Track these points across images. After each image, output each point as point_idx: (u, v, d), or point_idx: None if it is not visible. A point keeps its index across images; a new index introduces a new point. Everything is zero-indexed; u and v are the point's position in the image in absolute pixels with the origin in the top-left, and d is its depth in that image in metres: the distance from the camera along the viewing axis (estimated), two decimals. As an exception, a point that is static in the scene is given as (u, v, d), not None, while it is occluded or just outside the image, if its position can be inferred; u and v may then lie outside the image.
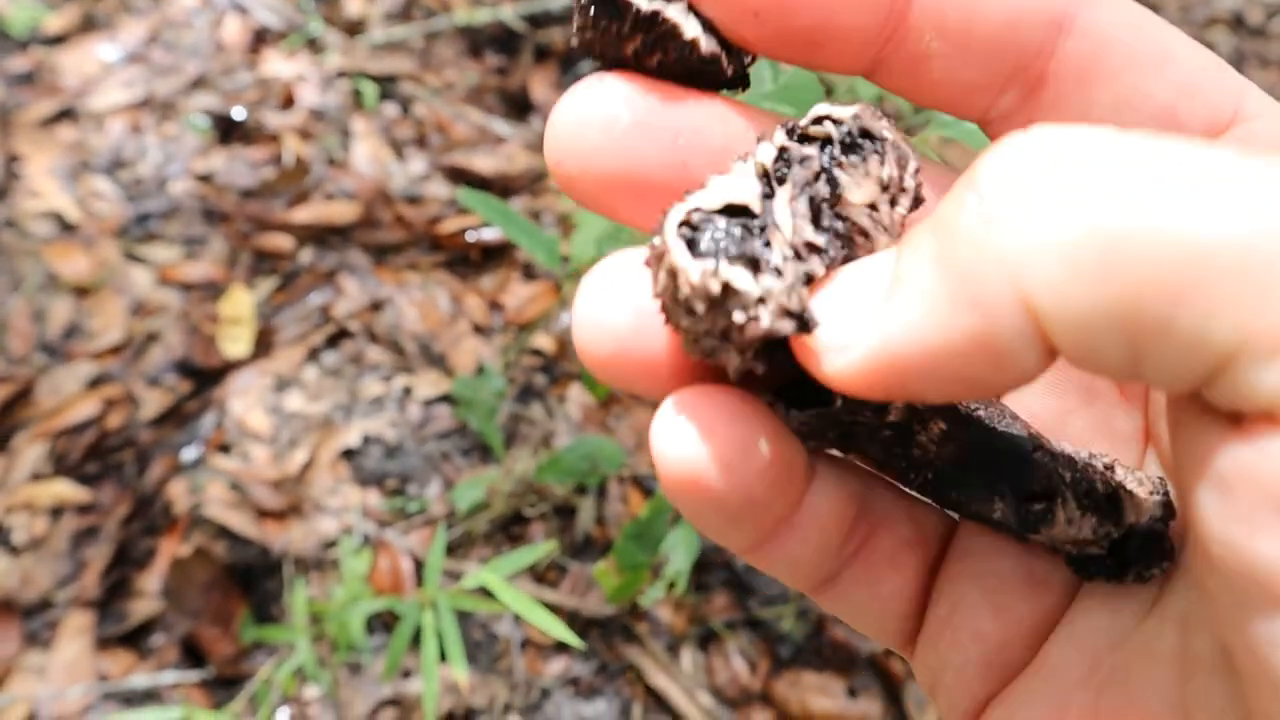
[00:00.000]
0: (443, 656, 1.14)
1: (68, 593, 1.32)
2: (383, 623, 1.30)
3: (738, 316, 0.25)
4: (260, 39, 1.92)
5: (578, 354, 0.29)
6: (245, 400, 1.47)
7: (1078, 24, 0.30)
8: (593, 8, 0.30)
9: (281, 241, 1.63)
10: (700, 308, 0.26)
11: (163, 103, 1.81)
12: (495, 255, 1.67)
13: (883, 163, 0.28)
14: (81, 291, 1.58)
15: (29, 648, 1.30)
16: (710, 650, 1.35)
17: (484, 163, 1.76)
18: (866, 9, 0.29)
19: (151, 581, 1.34)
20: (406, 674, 1.26)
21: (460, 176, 1.74)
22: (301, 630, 1.24)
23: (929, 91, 0.31)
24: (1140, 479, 0.31)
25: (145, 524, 1.38)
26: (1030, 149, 0.22)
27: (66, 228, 1.65)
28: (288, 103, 1.82)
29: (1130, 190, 0.21)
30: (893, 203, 0.28)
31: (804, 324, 0.26)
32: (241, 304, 1.54)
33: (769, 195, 0.27)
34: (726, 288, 0.25)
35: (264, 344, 1.54)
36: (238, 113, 1.79)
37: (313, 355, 1.54)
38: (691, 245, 0.26)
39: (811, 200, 0.27)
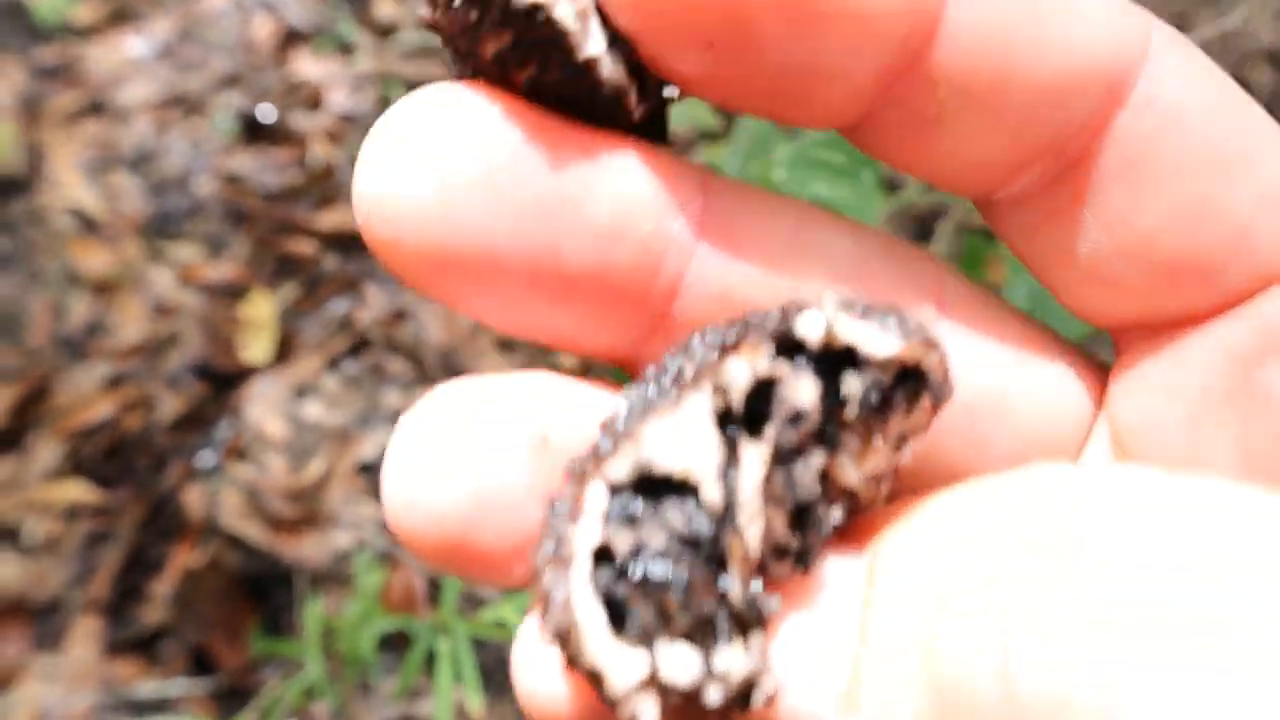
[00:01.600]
0: (457, 680, 1.13)
1: (78, 596, 1.31)
2: (394, 641, 1.29)
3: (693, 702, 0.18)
4: (290, 39, 1.91)
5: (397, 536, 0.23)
6: (263, 407, 1.46)
7: (1139, 92, 0.23)
8: None
9: (305, 246, 1.62)
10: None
11: (190, 100, 1.80)
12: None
13: (910, 412, 0.19)
14: (102, 289, 1.57)
15: (38, 650, 1.28)
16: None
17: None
18: (869, 50, 0.21)
19: (163, 588, 1.33)
20: (415, 694, 1.25)
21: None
22: (313, 646, 1.23)
23: (926, 161, 0.24)
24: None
25: (159, 529, 1.37)
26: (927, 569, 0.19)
27: (89, 223, 1.64)
28: (316, 104, 1.81)
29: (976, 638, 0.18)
30: (898, 448, 0.20)
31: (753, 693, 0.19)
32: (263, 308, 1.52)
33: (731, 464, 0.18)
34: (667, 691, 0.18)
35: (284, 350, 1.52)
36: (265, 113, 1.78)
37: (333, 364, 1.52)
38: (613, 610, 0.17)
39: (794, 478, 0.18)
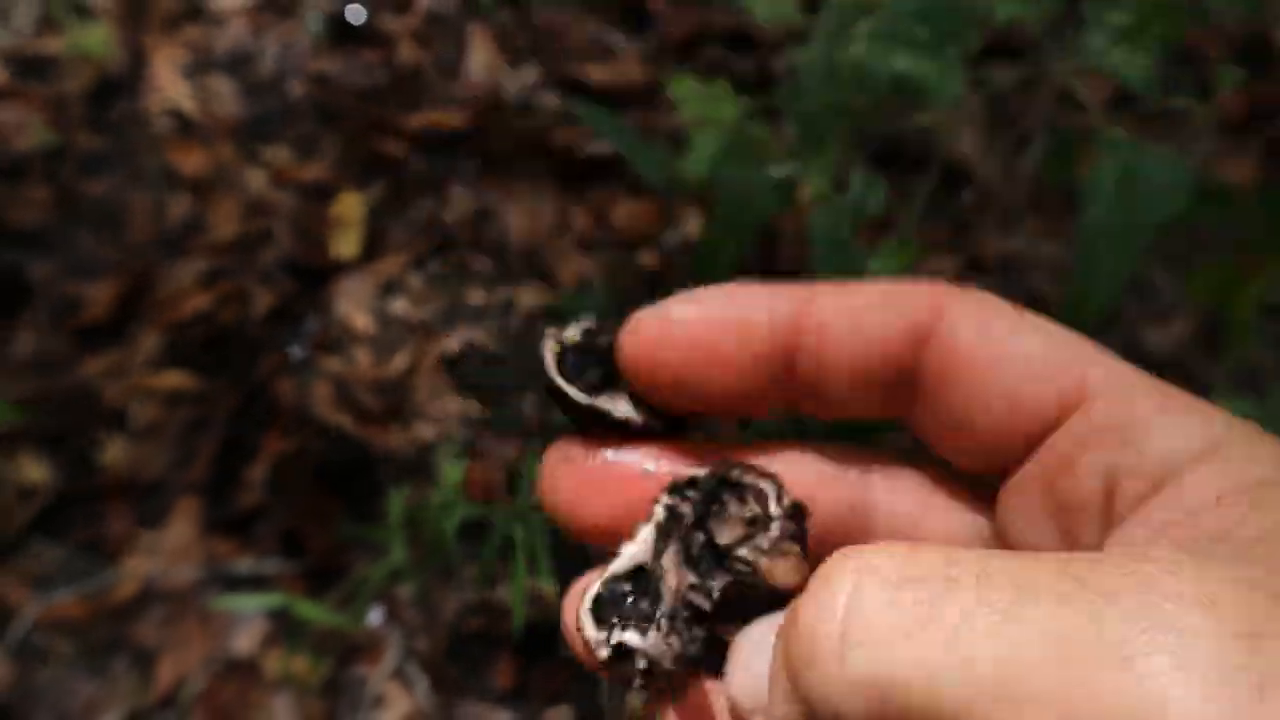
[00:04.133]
0: (532, 568, 1.15)
1: (179, 477, 1.37)
2: (475, 529, 1.32)
3: (638, 667, 0.31)
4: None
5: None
6: (351, 302, 1.49)
7: (935, 337, 0.33)
8: (545, 390, 0.36)
9: (393, 146, 1.63)
10: (610, 666, 0.32)
11: (283, 2, 1.82)
12: (604, 170, 1.63)
13: (743, 504, 0.33)
14: (199, 188, 1.61)
15: (143, 527, 1.35)
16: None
17: (598, 74, 1.72)
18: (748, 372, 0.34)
19: (258, 473, 1.38)
20: (494, 582, 1.28)
21: (574, 88, 1.70)
22: (396, 531, 1.26)
23: (828, 408, 0.35)
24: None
25: (253, 418, 1.42)
26: (864, 584, 0.25)
27: (186, 125, 1.68)
28: (404, 5, 1.80)
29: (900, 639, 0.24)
30: (764, 529, 0.33)
31: (695, 662, 0.32)
32: (352, 207, 1.55)
33: (661, 552, 0.33)
34: (620, 647, 0.31)
35: (372, 248, 1.55)
36: (354, 14, 1.78)
37: (418, 262, 1.54)
38: (596, 615, 0.32)
39: (691, 548, 0.33)
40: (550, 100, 1.71)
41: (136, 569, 1.30)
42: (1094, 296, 0.72)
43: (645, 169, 1.23)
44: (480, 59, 1.74)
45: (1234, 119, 1.90)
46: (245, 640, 1.27)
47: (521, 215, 1.57)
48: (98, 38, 1.67)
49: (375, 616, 1.29)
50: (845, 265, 0.78)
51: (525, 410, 1.42)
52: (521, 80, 1.73)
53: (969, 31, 0.83)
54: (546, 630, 1.27)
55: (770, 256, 1.53)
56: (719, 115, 1.40)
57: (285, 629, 1.25)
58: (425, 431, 1.39)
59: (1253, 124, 1.83)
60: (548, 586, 1.12)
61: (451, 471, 1.32)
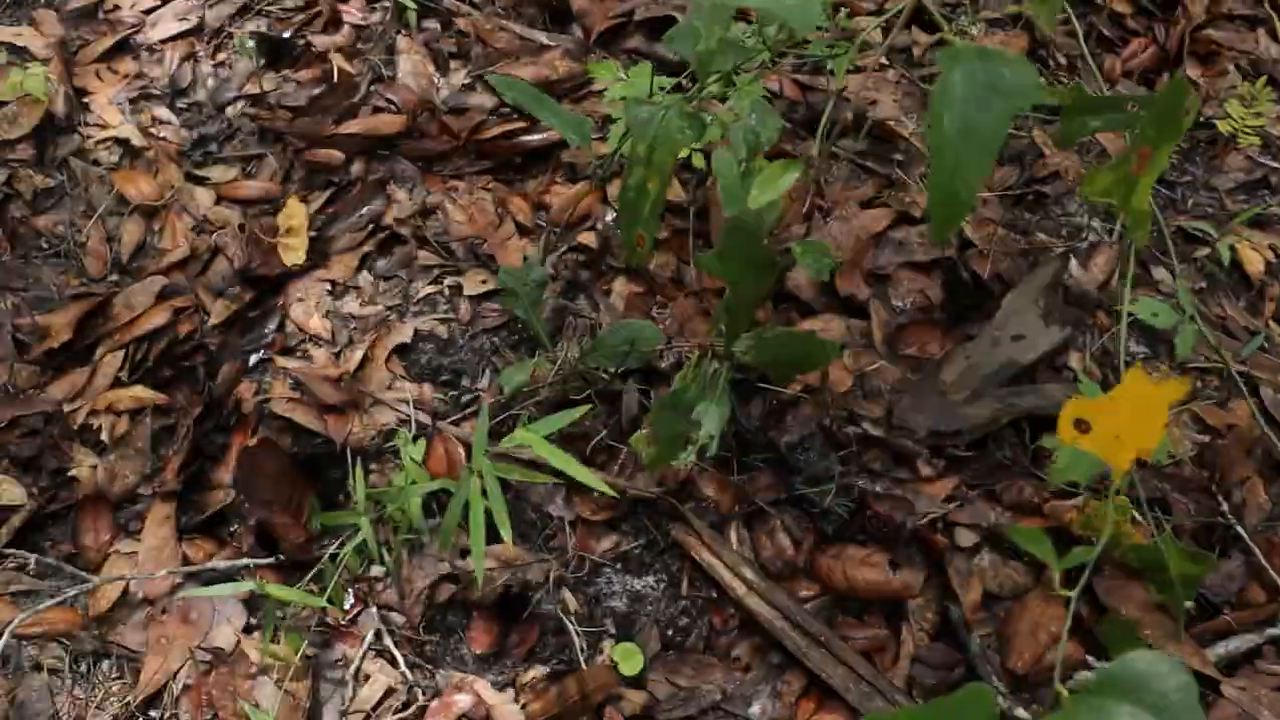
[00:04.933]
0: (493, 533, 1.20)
1: (151, 487, 1.42)
2: (439, 505, 1.37)
3: None
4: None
5: None
6: (304, 306, 1.54)
7: None
8: None
9: (333, 155, 1.68)
10: None
11: (214, 29, 1.88)
12: (538, 159, 1.70)
13: None
14: (149, 212, 1.67)
15: (121, 536, 1.40)
16: (755, 527, 1.39)
17: (526, 71, 1.78)
18: None
19: (226, 475, 1.42)
20: (464, 554, 1.33)
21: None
22: (362, 511, 1.31)
23: None
24: None
25: (218, 422, 1.47)
26: None
27: (133, 154, 1.73)
28: (335, 23, 1.86)
29: None
30: None
31: None
32: (297, 215, 1.60)
33: None
34: None
35: (320, 252, 1.60)
36: (286, 36, 1.84)
37: (366, 261, 1.60)
38: None
39: None
40: (482, 99, 1.77)
41: (118, 575, 1.35)
42: (954, 201, 0.78)
43: (566, 132, 1.28)
44: (409, 67, 1.80)
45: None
46: (225, 633, 1.31)
47: (462, 209, 1.63)
48: (37, 80, 1.73)
49: (350, 597, 1.33)
50: (743, 189, 0.84)
51: (479, 387, 1.47)
52: (452, 83, 1.79)
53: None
54: (517, 591, 1.32)
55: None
56: (638, 92, 1.47)
57: (264, 618, 1.29)
58: (385, 418, 1.44)
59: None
60: (507, 537, 1.17)
61: (412, 451, 1.38)
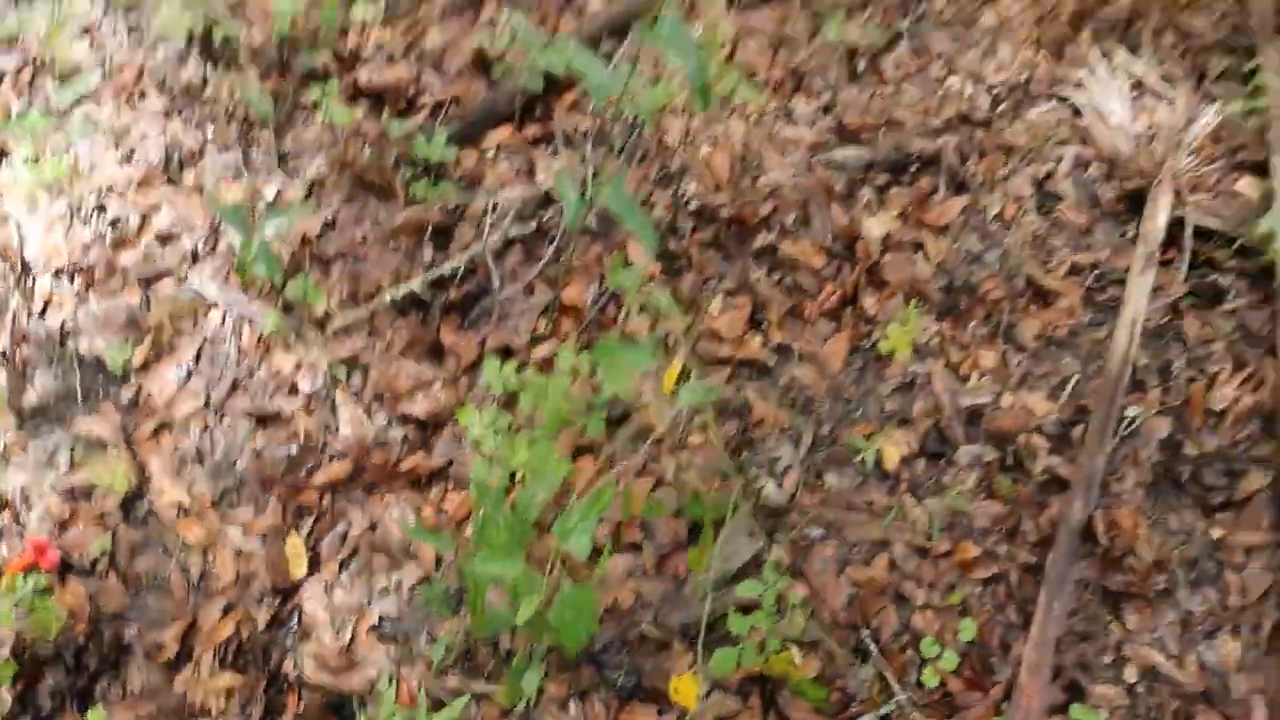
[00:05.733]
0: (438, 744, 2.25)
1: (244, 734, 2.46)
2: (410, 723, 2.41)
3: None
4: (263, 341, 2.95)
5: None
6: (312, 604, 2.57)
7: None
8: None
9: (311, 496, 2.70)
10: None
11: (217, 406, 2.88)
12: (436, 477, 2.72)
13: None
14: (204, 550, 2.68)
15: (233, 768, 2.44)
16: (586, 698, 2.43)
17: (420, 407, 2.79)
18: None
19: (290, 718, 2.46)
20: (429, 745, 2.37)
21: (407, 421, 2.78)
22: (367, 739, 2.36)
23: None
24: None
25: (277, 686, 2.50)
26: None
27: (184, 510, 2.74)
28: (294, 390, 2.87)
29: None
30: None
31: None
32: (296, 544, 2.62)
33: None
34: None
35: (313, 563, 2.62)
36: (270, 404, 2.84)
37: (343, 566, 2.62)
38: None
39: None
40: (396, 433, 2.78)
41: (237, 794, 2.39)
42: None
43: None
44: (347, 416, 2.81)
45: None
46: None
47: (392, 519, 2.65)
48: (119, 471, 2.73)
49: None
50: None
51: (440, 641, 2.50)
52: (376, 424, 2.81)
53: None
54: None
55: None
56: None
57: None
58: (371, 672, 2.48)
59: None
60: (446, 755, 2.22)
61: (388, 694, 2.42)
